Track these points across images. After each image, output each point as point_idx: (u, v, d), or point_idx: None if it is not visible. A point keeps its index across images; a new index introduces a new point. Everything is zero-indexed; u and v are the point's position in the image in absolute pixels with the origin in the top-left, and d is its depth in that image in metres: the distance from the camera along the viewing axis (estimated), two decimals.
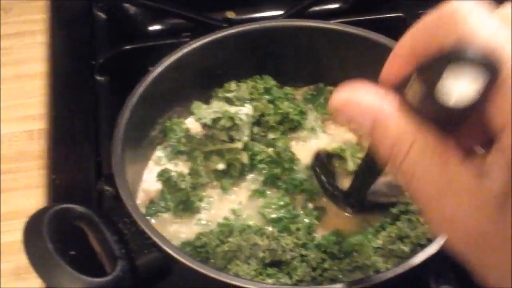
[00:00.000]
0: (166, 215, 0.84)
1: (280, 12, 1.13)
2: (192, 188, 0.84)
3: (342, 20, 1.00)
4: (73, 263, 0.66)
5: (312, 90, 0.97)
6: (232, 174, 0.87)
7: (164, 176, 0.84)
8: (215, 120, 0.84)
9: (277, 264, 0.77)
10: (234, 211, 0.84)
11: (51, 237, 0.65)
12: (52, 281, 0.64)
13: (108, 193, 0.89)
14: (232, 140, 0.86)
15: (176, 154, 0.89)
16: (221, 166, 0.86)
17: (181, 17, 1.13)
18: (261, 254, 0.76)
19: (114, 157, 0.75)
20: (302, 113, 0.93)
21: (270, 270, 0.76)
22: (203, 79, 0.92)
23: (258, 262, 0.76)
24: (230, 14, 1.15)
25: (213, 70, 0.92)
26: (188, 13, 1.13)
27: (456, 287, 0.78)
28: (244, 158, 0.86)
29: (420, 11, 1.09)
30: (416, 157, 0.40)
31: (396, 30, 0.92)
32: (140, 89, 0.82)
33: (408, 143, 0.40)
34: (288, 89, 0.95)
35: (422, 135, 0.40)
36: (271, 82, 0.93)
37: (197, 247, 0.78)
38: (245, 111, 0.87)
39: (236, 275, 0.73)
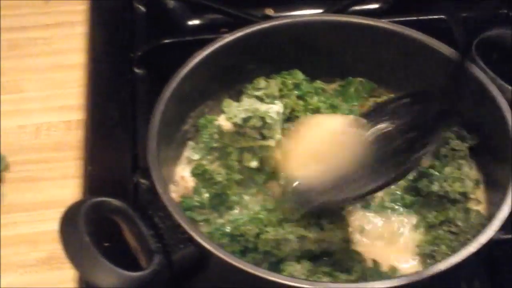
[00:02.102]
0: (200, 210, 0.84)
1: (320, 11, 1.13)
2: (227, 183, 0.84)
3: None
4: (109, 256, 0.66)
5: (342, 82, 0.96)
6: (265, 171, 0.86)
7: (199, 169, 0.84)
8: (246, 120, 0.84)
9: (329, 259, 0.77)
10: (266, 208, 0.84)
11: (87, 229, 0.65)
12: (89, 273, 0.64)
13: (144, 186, 0.89)
14: (264, 137, 0.85)
15: (209, 150, 0.89)
16: (254, 163, 0.85)
17: (220, 12, 1.14)
18: (309, 246, 0.77)
19: (150, 150, 0.75)
20: (333, 106, 0.92)
21: (325, 269, 0.76)
22: (234, 74, 0.92)
23: (309, 258, 0.76)
24: (269, 11, 1.15)
25: (245, 65, 0.92)
26: (227, 8, 1.13)
27: None
28: (278, 155, 0.86)
29: (462, 14, 1.09)
30: None
31: (436, 31, 0.93)
32: (173, 83, 0.82)
33: None
34: (318, 83, 0.95)
35: None
36: (300, 77, 0.93)
37: (236, 236, 0.78)
38: (275, 109, 0.86)
39: (290, 275, 0.73)
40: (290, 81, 0.92)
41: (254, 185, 0.86)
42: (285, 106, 0.89)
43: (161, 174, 0.74)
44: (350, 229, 0.82)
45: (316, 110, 0.91)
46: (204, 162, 0.87)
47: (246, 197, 0.85)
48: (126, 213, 0.69)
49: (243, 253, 0.78)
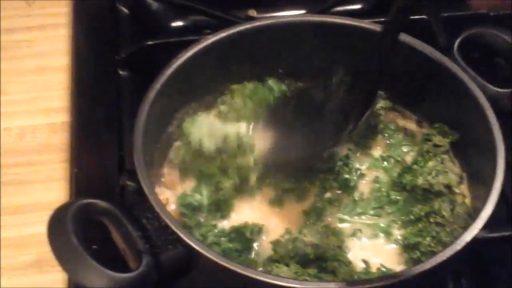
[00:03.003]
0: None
1: (302, 12, 1.14)
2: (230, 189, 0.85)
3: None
4: (98, 258, 0.67)
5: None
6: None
7: (203, 173, 0.86)
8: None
9: (319, 264, 0.78)
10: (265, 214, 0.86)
11: (75, 231, 0.66)
12: (78, 275, 0.64)
13: (130, 188, 0.89)
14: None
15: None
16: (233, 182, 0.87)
17: (204, 14, 1.14)
18: (305, 250, 0.78)
19: (135, 152, 0.76)
20: None
21: (311, 271, 0.76)
22: (218, 75, 0.92)
23: (298, 262, 0.77)
24: (252, 12, 1.16)
25: (229, 66, 0.92)
26: (211, 10, 1.13)
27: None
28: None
29: (443, 14, 1.10)
30: None
31: (417, 31, 0.94)
32: (157, 85, 0.83)
33: None
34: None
35: None
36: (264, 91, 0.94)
37: (236, 233, 0.80)
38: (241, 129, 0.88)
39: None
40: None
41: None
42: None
43: (148, 175, 0.74)
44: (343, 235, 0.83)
45: None
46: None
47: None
48: (114, 214, 0.70)
49: (240, 252, 0.80)
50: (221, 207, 0.84)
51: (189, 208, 0.83)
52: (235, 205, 0.85)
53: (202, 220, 0.82)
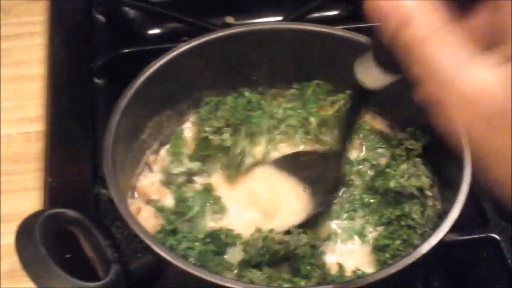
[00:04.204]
0: None
1: (279, 18, 1.14)
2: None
3: (341, 27, 1.00)
4: (69, 267, 0.66)
5: (299, 86, 0.97)
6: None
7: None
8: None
9: (293, 265, 0.79)
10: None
11: (43, 241, 0.65)
12: (45, 284, 0.64)
13: (104, 196, 0.89)
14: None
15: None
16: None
17: (180, 21, 1.14)
18: (275, 247, 0.78)
19: (105, 160, 0.76)
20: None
21: (285, 275, 0.77)
22: (192, 83, 0.92)
23: (270, 262, 0.78)
24: (229, 20, 1.16)
25: (203, 74, 0.92)
26: (187, 17, 1.14)
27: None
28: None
29: None
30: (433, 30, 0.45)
31: None
32: (129, 93, 0.83)
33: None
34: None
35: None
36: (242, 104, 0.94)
37: (211, 237, 0.81)
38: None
39: (251, 281, 0.74)
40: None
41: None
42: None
43: (118, 183, 0.74)
44: (316, 235, 0.83)
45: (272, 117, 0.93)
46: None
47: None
48: (83, 223, 0.69)
49: (215, 254, 0.80)
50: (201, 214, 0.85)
51: (183, 204, 0.85)
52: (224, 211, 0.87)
53: (180, 226, 0.82)
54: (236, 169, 0.89)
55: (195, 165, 0.90)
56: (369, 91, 0.66)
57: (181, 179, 0.88)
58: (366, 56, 0.63)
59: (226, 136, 0.89)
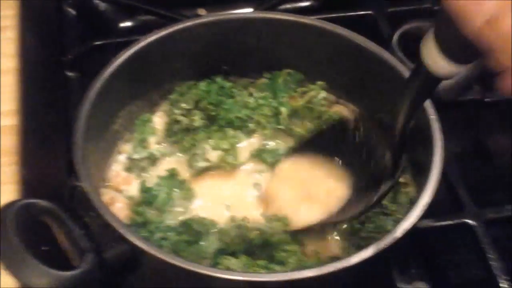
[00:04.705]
0: None
1: (251, 10, 1.14)
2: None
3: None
4: (46, 259, 0.67)
5: (270, 75, 0.97)
6: None
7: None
8: None
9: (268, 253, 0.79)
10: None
11: (16, 231, 0.65)
12: (19, 274, 0.64)
13: (79, 188, 0.89)
14: None
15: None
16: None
17: (152, 13, 1.15)
18: (250, 235, 0.79)
19: (75, 150, 0.76)
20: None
21: (261, 262, 0.77)
22: (162, 73, 0.93)
23: (246, 251, 0.78)
24: (201, 11, 1.16)
25: (172, 64, 0.93)
26: (159, 9, 1.13)
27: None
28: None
29: (389, 9, 1.12)
30: None
31: (364, 27, 0.95)
32: (97, 84, 0.83)
33: None
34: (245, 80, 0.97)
35: None
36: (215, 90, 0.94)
37: (186, 225, 0.81)
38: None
39: (227, 269, 0.75)
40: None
41: None
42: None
43: (89, 173, 0.75)
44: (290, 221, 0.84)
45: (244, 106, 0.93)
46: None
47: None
48: (56, 213, 0.69)
49: (189, 244, 0.80)
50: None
51: (147, 193, 0.84)
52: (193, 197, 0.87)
53: (150, 216, 0.83)
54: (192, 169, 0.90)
55: (157, 150, 0.90)
56: (436, 78, 0.66)
57: (143, 164, 0.88)
58: (429, 42, 0.63)
59: (196, 117, 0.90)
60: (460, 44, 0.58)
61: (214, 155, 0.90)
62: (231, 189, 0.89)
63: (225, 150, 0.90)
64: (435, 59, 0.63)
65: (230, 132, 0.91)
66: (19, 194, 0.91)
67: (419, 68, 0.66)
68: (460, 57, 0.62)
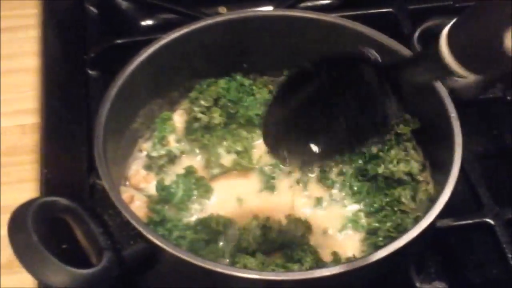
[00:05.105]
0: None
1: (271, 8, 1.14)
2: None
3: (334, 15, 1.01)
4: (66, 257, 0.67)
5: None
6: None
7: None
8: None
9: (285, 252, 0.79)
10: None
11: (36, 229, 0.66)
12: (37, 272, 0.65)
13: (99, 186, 0.89)
14: None
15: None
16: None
17: (173, 12, 1.14)
18: (272, 236, 0.79)
19: (96, 149, 0.76)
20: None
21: (278, 261, 0.77)
22: (183, 71, 0.93)
23: (265, 250, 0.78)
24: (222, 9, 1.16)
25: (193, 62, 0.93)
26: (180, 8, 1.14)
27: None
28: None
29: (410, 7, 1.11)
30: None
31: (385, 24, 0.95)
32: (118, 82, 0.83)
33: None
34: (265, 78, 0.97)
35: None
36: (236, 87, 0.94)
37: (204, 224, 0.81)
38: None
39: (245, 267, 0.75)
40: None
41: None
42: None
43: (109, 171, 0.74)
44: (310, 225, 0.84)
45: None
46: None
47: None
48: (75, 211, 0.70)
49: (207, 242, 0.80)
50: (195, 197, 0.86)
51: (164, 191, 0.84)
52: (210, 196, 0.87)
53: (168, 214, 0.83)
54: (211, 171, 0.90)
55: (177, 148, 0.90)
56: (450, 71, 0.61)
57: (161, 162, 0.89)
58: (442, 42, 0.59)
59: (215, 115, 0.90)
60: (474, 52, 0.54)
61: (228, 159, 0.90)
62: (249, 187, 0.89)
63: (239, 153, 0.90)
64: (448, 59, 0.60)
65: (243, 133, 0.91)
66: (40, 192, 0.92)
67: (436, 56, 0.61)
68: (473, 66, 0.58)
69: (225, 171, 0.90)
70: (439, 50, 0.60)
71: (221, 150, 0.90)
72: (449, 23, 0.61)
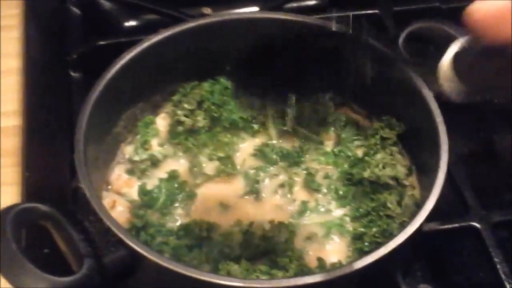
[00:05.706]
0: None
1: (256, 9, 1.13)
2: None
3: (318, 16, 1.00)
4: (47, 262, 0.67)
5: None
6: None
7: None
8: None
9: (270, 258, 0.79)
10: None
11: (14, 236, 0.65)
12: (16, 280, 0.63)
13: (82, 191, 0.88)
14: None
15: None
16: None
17: (157, 13, 1.13)
18: (255, 241, 0.78)
19: (76, 153, 0.75)
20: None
21: (262, 267, 0.76)
22: (165, 75, 0.92)
23: (249, 256, 0.78)
24: (206, 10, 1.15)
25: (176, 65, 0.92)
26: (164, 9, 1.12)
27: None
28: None
29: (395, 8, 1.10)
30: None
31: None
32: (99, 86, 0.82)
33: None
34: None
35: None
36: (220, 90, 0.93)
37: (187, 229, 0.80)
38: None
39: (228, 274, 0.74)
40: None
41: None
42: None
43: (89, 176, 0.73)
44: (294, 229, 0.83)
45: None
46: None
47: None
48: (55, 218, 0.69)
49: (190, 248, 0.79)
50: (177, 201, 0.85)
51: (147, 196, 0.84)
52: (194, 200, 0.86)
53: (151, 220, 0.82)
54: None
55: (159, 152, 0.89)
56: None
57: (144, 166, 0.88)
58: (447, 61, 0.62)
59: (199, 118, 0.89)
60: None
61: (211, 167, 0.89)
62: (233, 191, 0.88)
63: (222, 159, 0.89)
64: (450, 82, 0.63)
65: (225, 138, 0.91)
66: (21, 195, 0.91)
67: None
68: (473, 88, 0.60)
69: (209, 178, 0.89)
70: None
71: (203, 158, 0.89)
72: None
